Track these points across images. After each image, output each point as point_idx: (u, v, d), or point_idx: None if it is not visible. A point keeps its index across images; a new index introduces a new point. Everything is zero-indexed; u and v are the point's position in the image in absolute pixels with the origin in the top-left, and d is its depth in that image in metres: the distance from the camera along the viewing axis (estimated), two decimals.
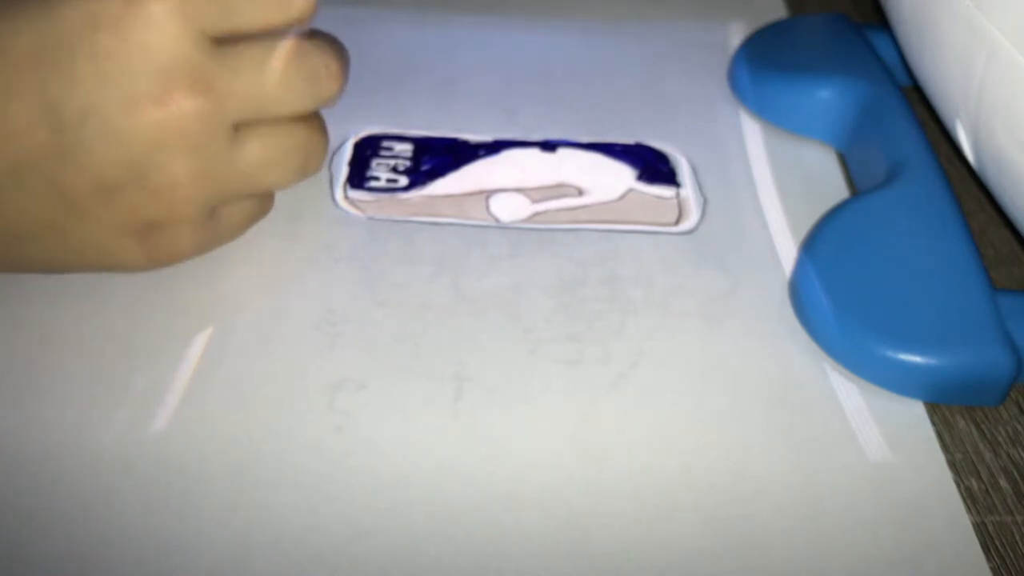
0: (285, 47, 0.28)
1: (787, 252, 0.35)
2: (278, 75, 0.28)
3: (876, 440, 0.29)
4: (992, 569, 0.26)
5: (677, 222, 0.36)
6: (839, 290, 0.31)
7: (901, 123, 0.36)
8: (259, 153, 0.29)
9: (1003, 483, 0.28)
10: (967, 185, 0.38)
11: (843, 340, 0.30)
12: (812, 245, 0.32)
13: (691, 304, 0.33)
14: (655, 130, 0.40)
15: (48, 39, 0.25)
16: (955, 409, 0.30)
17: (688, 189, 0.37)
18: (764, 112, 0.41)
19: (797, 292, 0.32)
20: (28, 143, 0.26)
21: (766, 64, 0.41)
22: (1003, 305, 0.30)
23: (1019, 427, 0.30)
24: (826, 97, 0.39)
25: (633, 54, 0.44)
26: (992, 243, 0.36)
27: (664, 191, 0.37)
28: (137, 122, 0.26)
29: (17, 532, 0.25)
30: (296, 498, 0.26)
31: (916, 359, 0.29)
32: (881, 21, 0.43)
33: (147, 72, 0.26)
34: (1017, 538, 0.27)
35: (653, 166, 0.38)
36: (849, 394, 0.30)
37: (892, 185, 0.34)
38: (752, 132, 0.40)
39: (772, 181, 0.38)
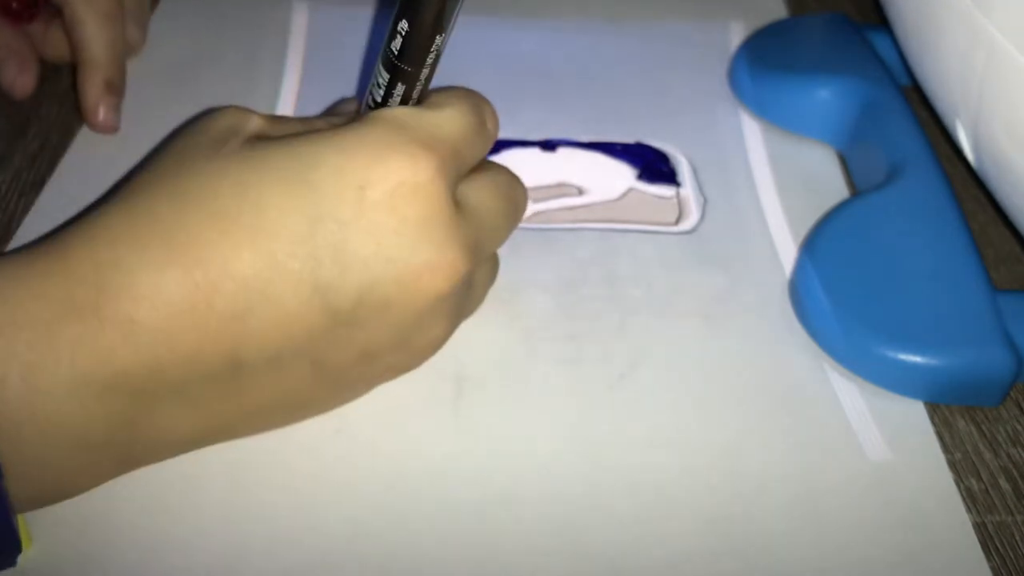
0: (508, 190, 0.29)
1: (787, 252, 0.35)
2: (510, 222, 0.29)
3: (876, 440, 0.29)
4: (992, 569, 0.26)
5: (677, 222, 0.36)
6: (839, 290, 0.31)
7: (901, 123, 0.36)
8: (490, 271, 0.30)
9: (1003, 483, 0.28)
10: (967, 185, 0.38)
11: (843, 340, 0.30)
12: (812, 245, 0.32)
13: (691, 304, 0.33)
14: (655, 130, 0.40)
15: (313, 215, 0.24)
16: (955, 409, 0.30)
17: (688, 189, 0.37)
18: (764, 112, 0.41)
19: (797, 292, 0.32)
20: (298, 329, 0.24)
21: (766, 64, 0.41)
22: (1003, 305, 0.30)
23: (1019, 427, 0.30)
24: (826, 97, 0.39)
25: (633, 54, 0.44)
26: (992, 243, 0.36)
27: (664, 190, 0.37)
28: (415, 294, 0.25)
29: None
30: (296, 499, 0.26)
31: (916, 359, 0.29)
32: (881, 21, 0.43)
33: (423, 243, 0.25)
34: (1017, 538, 0.27)
35: (653, 165, 0.38)
36: (849, 394, 0.30)
37: (892, 185, 0.34)
38: (752, 132, 0.40)
39: (772, 181, 0.38)
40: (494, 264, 0.31)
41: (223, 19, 0.45)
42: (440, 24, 0.25)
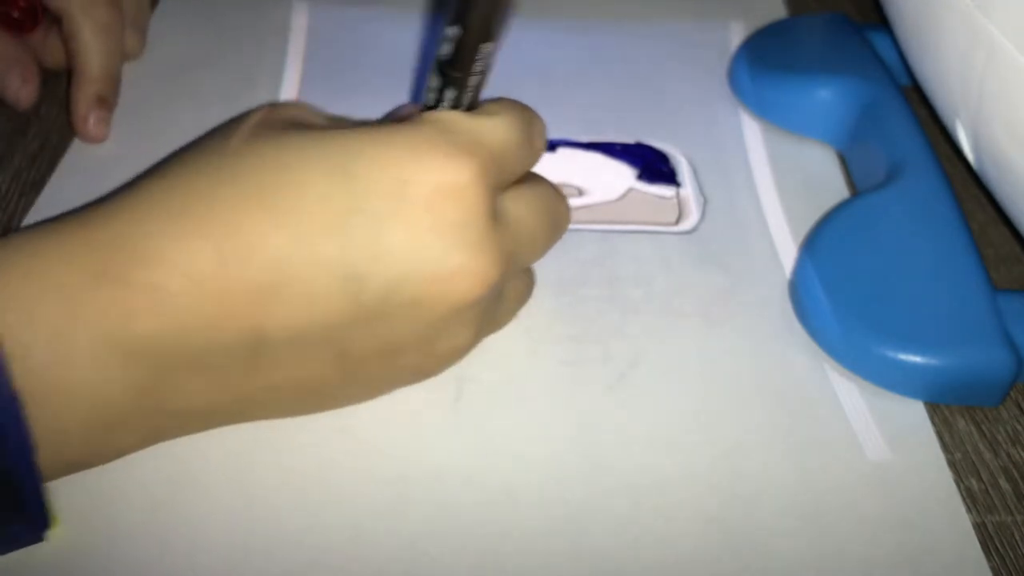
0: (550, 205, 0.29)
1: (787, 252, 0.35)
2: (549, 238, 0.29)
3: (876, 440, 0.29)
4: (992, 569, 0.26)
5: (677, 222, 0.36)
6: (839, 290, 0.31)
7: (901, 123, 0.36)
8: (524, 287, 0.30)
9: (1003, 483, 0.28)
10: (967, 185, 0.38)
11: (843, 340, 0.30)
12: (812, 245, 0.32)
13: (691, 304, 0.33)
14: (655, 130, 0.40)
15: (352, 204, 0.24)
16: (955, 409, 0.30)
17: (688, 189, 0.37)
18: (764, 112, 0.41)
19: (797, 292, 0.32)
20: (324, 311, 0.24)
21: (766, 64, 0.41)
22: (1003, 305, 0.30)
23: (1019, 427, 0.30)
24: (826, 97, 0.39)
25: (633, 54, 0.44)
26: (992, 243, 0.36)
27: (664, 190, 0.37)
28: (443, 296, 0.25)
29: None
30: (296, 498, 0.26)
31: (916, 359, 0.29)
32: (881, 21, 0.43)
33: (457, 246, 0.25)
34: (1017, 538, 0.27)
35: (653, 165, 0.38)
36: (849, 394, 0.30)
37: (892, 185, 0.34)
38: (752, 132, 0.40)
39: (772, 181, 0.38)
40: (529, 281, 0.31)
41: (223, 19, 0.45)
42: (488, 32, 0.25)
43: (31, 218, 0.34)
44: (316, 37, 0.44)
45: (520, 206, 0.27)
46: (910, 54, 0.36)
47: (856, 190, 0.38)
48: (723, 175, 0.38)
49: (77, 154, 0.37)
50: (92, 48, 0.38)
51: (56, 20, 0.39)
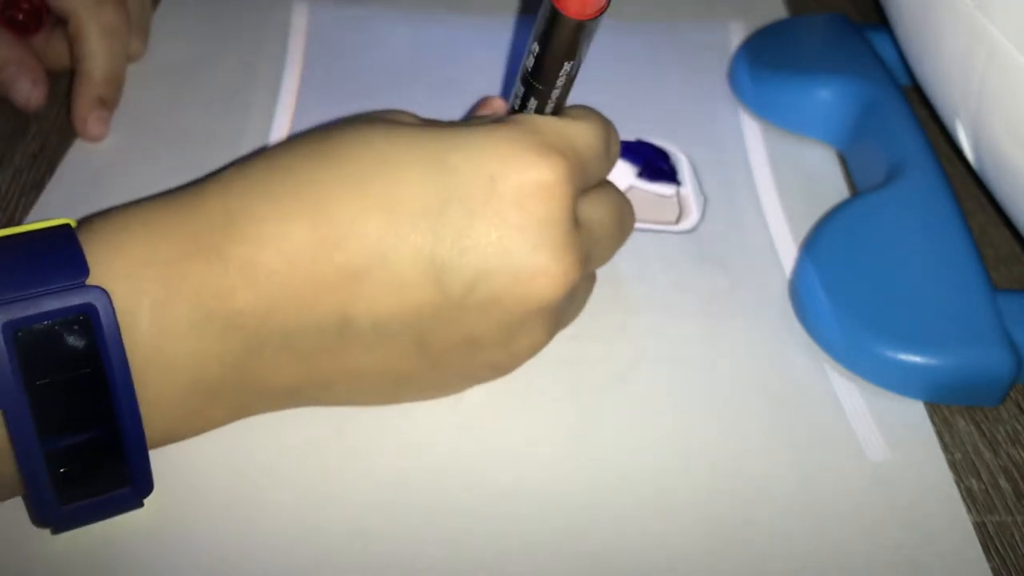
0: (619, 209, 0.29)
1: (787, 252, 0.35)
2: (617, 242, 0.30)
3: (876, 440, 0.29)
4: (992, 569, 0.26)
5: (677, 220, 0.36)
6: (839, 290, 0.31)
7: (901, 123, 0.36)
8: (590, 287, 0.31)
9: (1003, 483, 0.28)
10: (967, 185, 0.38)
11: (843, 340, 0.30)
12: (812, 245, 0.32)
13: (691, 303, 0.33)
14: (655, 129, 0.40)
15: (444, 196, 0.25)
16: (955, 409, 0.30)
17: (688, 187, 0.37)
18: (764, 112, 0.41)
19: (797, 292, 0.32)
20: (408, 300, 0.25)
21: (766, 64, 0.41)
22: (1003, 305, 0.30)
23: (1019, 427, 0.30)
24: (826, 97, 0.39)
25: (634, 53, 0.44)
26: (992, 243, 0.36)
27: (665, 189, 0.37)
28: (526, 293, 0.25)
29: (18, 530, 0.25)
30: (296, 498, 0.26)
31: (916, 359, 0.29)
32: (881, 21, 0.43)
33: (542, 245, 0.25)
34: (1017, 538, 0.27)
35: (654, 163, 0.38)
36: (849, 394, 0.30)
37: (892, 185, 0.34)
38: (752, 132, 0.40)
39: (772, 181, 0.38)
40: (593, 281, 0.31)
41: (223, 20, 0.45)
42: (570, 52, 0.26)
43: (31, 218, 0.34)
44: (316, 37, 0.44)
45: (596, 210, 0.28)
46: (910, 54, 0.36)
47: (856, 190, 0.38)
48: (723, 175, 0.38)
49: (77, 154, 0.37)
50: (98, 50, 0.38)
51: (60, 21, 0.39)
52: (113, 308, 0.23)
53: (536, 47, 0.26)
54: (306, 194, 0.25)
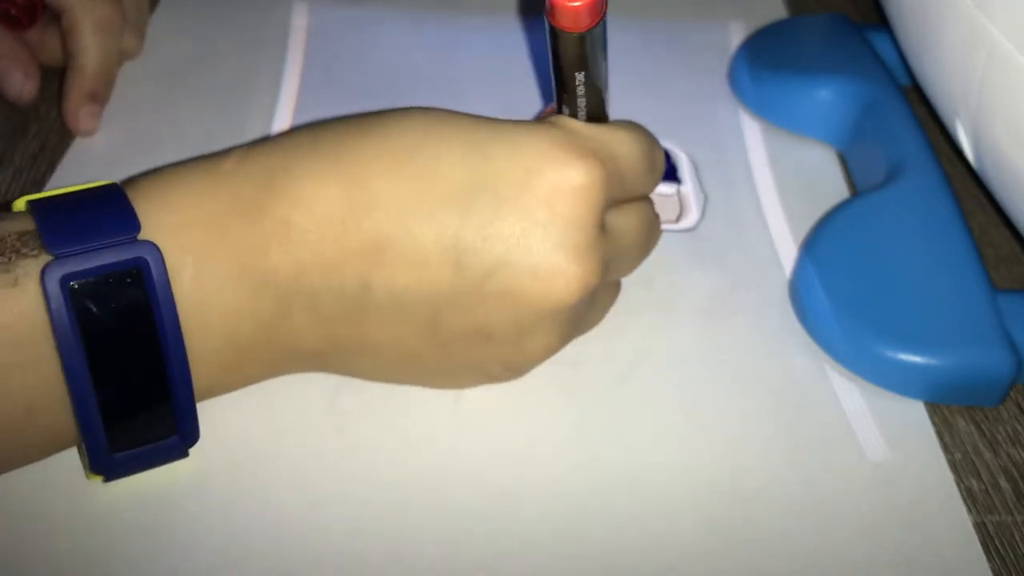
0: (648, 222, 0.30)
1: (787, 252, 0.35)
2: (642, 254, 0.30)
3: (876, 440, 0.29)
4: (992, 569, 0.26)
5: (678, 219, 0.36)
6: (839, 290, 0.31)
7: (901, 123, 0.36)
8: (612, 295, 0.31)
9: (1003, 483, 0.28)
10: (967, 185, 0.38)
11: (843, 340, 0.30)
12: (812, 245, 0.32)
13: (691, 303, 0.33)
14: (655, 129, 0.40)
15: (478, 181, 0.25)
16: (955, 409, 0.30)
17: (689, 186, 0.37)
18: (764, 112, 0.41)
19: (797, 292, 0.32)
20: (427, 276, 0.25)
21: (766, 64, 0.41)
22: (1003, 305, 0.30)
23: (1019, 427, 0.30)
24: (826, 97, 0.39)
25: (634, 53, 0.44)
26: (992, 243, 0.36)
27: (665, 187, 0.37)
28: (542, 291, 0.25)
29: (19, 531, 0.25)
30: (296, 498, 0.26)
31: (916, 359, 0.29)
32: (881, 21, 0.43)
33: (564, 245, 0.25)
34: (1017, 538, 0.27)
35: None
36: (849, 394, 0.30)
37: (892, 185, 0.34)
38: (752, 131, 0.40)
39: (772, 181, 0.38)
40: (616, 290, 0.31)
41: (223, 19, 0.45)
42: (580, 63, 0.26)
43: None
44: (316, 37, 0.44)
45: (625, 219, 0.28)
46: (910, 54, 0.36)
47: (856, 190, 0.38)
48: (723, 174, 0.38)
49: (77, 154, 0.37)
50: (91, 45, 0.38)
51: (54, 16, 0.39)
52: (163, 261, 0.24)
53: (552, 60, 0.27)
54: (345, 160, 0.25)
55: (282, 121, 0.39)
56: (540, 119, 0.32)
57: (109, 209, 0.24)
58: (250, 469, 0.27)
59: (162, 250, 0.24)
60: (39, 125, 0.39)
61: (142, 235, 0.24)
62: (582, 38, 0.26)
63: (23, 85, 0.39)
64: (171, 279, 0.24)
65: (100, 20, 0.38)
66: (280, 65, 0.42)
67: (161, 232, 0.24)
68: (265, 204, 0.25)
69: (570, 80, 0.27)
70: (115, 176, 0.36)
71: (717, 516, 0.27)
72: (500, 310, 0.26)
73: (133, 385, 0.24)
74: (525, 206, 0.25)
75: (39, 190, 0.35)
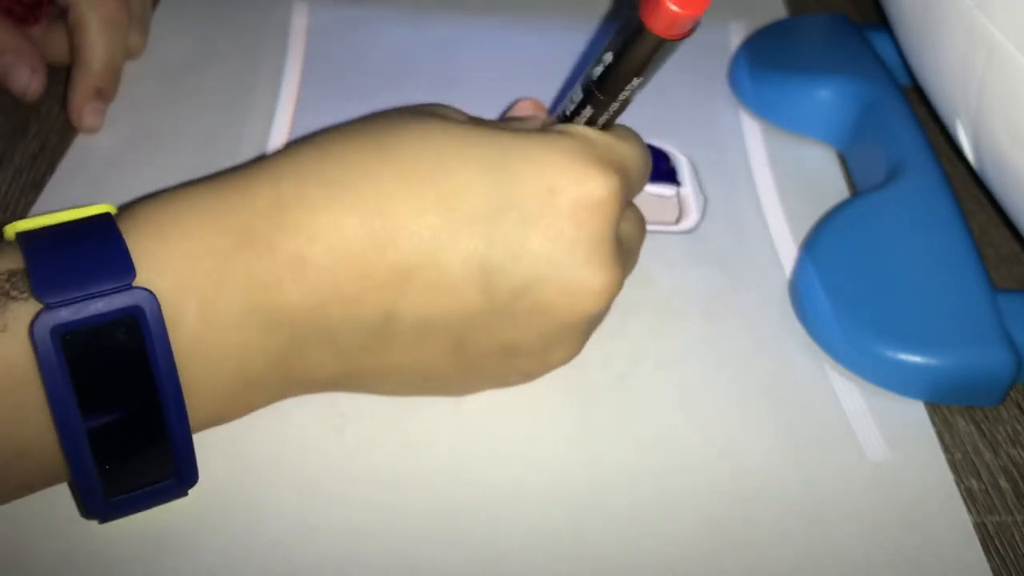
0: (641, 224, 0.30)
1: (787, 252, 0.35)
2: (637, 259, 0.30)
3: (876, 440, 0.29)
4: (992, 569, 0.26)
5: (677, 221, 0.36)
6: (839, 290, 0.31)
7: (901, 123, 0.36)
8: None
9: (1003, 483, 0.28)
10: (967, 185, 0.38)
11: (843, 340, 0.30)
12: (812, 245, 0.32)
13: (691, 304, 0.33)
14: (655, 129, 0.40)
15: (500, 201, 0.25)
16: (955, 409, 0.30)
17: (688, 188, 0.37)
18: (764, 112, 0.41)
19: (797, 292, 0.32)
20: (454, 301, 0.25)
21: (766, 64, 0.41)
22: (1003, 305, 0.30)
23: (1019, 427, 0.30)
24: (826, 97, 0.39)
25: None
26: (992, 243, 0.36)
27: (665, 189, 0.37)
28: (573, 305, 0.25)
29: (19, 531, 0.25)
30: (296, 498, 0.26)
31: (916, 359, 0.29)
32: (881, 21, 0.43)
33: (591, 260, 0.25)
34: (1017, 538, 0.27)
35: (654, 164, 0.38)
36: (849, 394, 0.30)
37: (892, 185, 0.34)
38: (752, 132, 0.40)
39: (772, 181, 0.38)
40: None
41: (223, 19, 0.45)
42: (642, 69, 0.26)
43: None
44: (316, 37, 0.44)
45: (630, 227, 0.29)
46: (910, 54, 0.36)
47: (856, 190, 0.38)
48: (723, 175, 0.38)
49: (77, 154, 0.37)
50: (97, 42, 0.38)
51: (61, 13, 0.39)
52: (160, 309, 0.23)
53: (608, 57, 0.26)
54: (362, 187, 0.24)
55: (282, 120, 0.39)
56: (511, 116, 0.32)
57: (103, 249, 0.23)
58: (250, 469, 0.27)
59: (162, 292, 0.23)
60: (39, 125, 0.39)
61: (140, 276, 0.23)
62: (663, 44, 0.25)
63: (29, 81, 0.39)
64: (173, 323, 0.23)
65: (107, 17, 0.38)
66: (280, 65, 0.42)
67: (161, 273, 0.23)
68: (276, 238, 0.24)
69: (621, 84, 0.26)
70: (115, 176, 0.36)
71: (717, 516, 0.27)
72: (529, 327, 0.26)
73: (128, 433, 0.23)
74: (551, 224, 0.25)
75: (39, 190, 0.35)
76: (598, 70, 0.26)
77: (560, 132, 0.26)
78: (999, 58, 0.28)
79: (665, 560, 0.26)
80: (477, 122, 0.28)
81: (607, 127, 0.27)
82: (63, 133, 0.38)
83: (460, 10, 0.46)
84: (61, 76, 0.41)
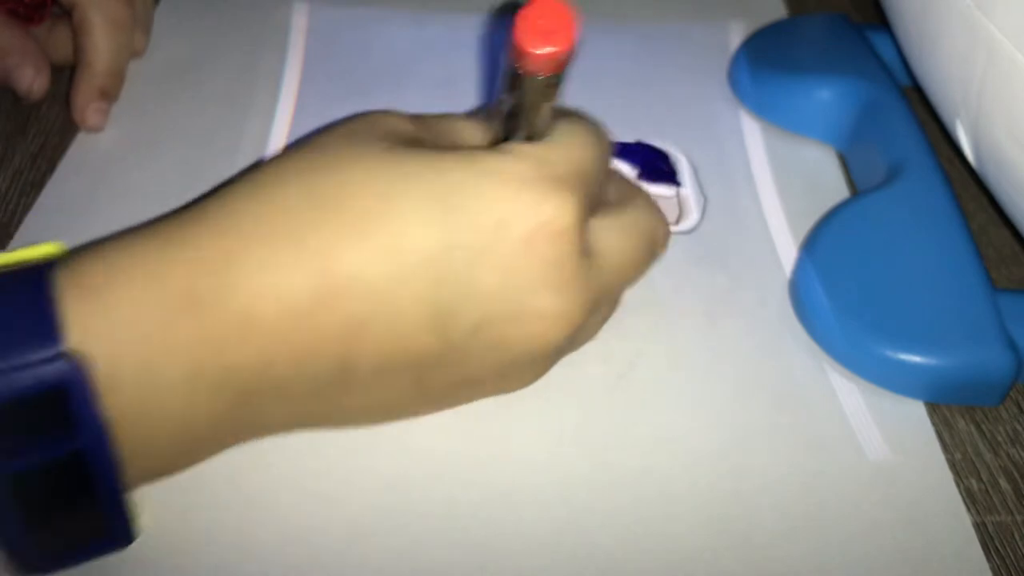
0: (643, 229, 0.28)
1: (787, 252, 0.35)
2: (642, 262, 0.29)
3: (876, 440, 0.29)
4: (992, 569, 0.26)
5: (677, 221, 0.36)
6: (839, 290, 0.31)
7: (901, 123, 0.36)
8: (609, 310, 0.30)
9: (1003, 483, 0.28)
10: (967, 185, 0.38)
11: (843, 340, 0.30)
12: (812, 245, 0.32)
13: (691, 304, 0.33)
14: (655, 129, 0.40)
15: (448, 240, 0.24)
16: (955, 409, 0.30)
17: (688, 188, 0.37)
18: (764, 112, 0.41)
19: (797, 292, 0.32)
20: (411, 345, 0.24)
21: (766, 64, 0.41)
22: (1003, 305, 0.30)
23: (1019, 427, 0.30)
24: (826, 97, 0.39)
25: (633, 54, 0.44)
26: (992, 243, 0.36)
27: (665, 190, 0.37)
28: (528, 336, 0.25)
29: None
30: (296, 498, 0.26)
31: (916, 359, 0.29)
32: (881, 21, 0.43)
33: (547, 289, 0.24)
34: (1017, 538, 0.27)
35: (653, 164, 0.38)
36: (849, 394, 0.30)
37: (892, 185, 0.34)
38: (752, 132, 0.40)
39: (772, 181, 0.38)
40: (615, 302, 0.30)
41: (223, 19, 0.45)
42: (547, 96, 0.25)
43: (31, 218, 0.34)
44: (316, 37, 0.44)
45: (611, 237, 0.27)
46: (910, 54, 0.36)
47: (856, 190, 0.38)
48: (723, 175, 0.38)
49: (77, 154, 0.37)
50: (102, 42, 0.38)
51: (65, 13, 0.39)
52: (89, 382, 0.21)
53: (507, 98, 0.25)
54: (305, 239, 0.23)
55: (282, 120, 0.39)
56: (475, 114, 0.31)
57: (30, 313, 0.21)
58: (249, 470, 0.27)
59: (97, 358, 0.21)
60: (39, 125, 0.39)
61: (73, 338, 0.21)
62: (548, 80, 0.24)
63: (33, 81, 0.39)
64: (109, 390, 0.22)
65: (112, 17, 0.38)
66: (280, 65, 0.42)
67: (97, 337, 0.22)
68: (219, 297, 0.23)
69: (530, 115, 0.26)
70: (115, 175, 0.36)
71: (717, 516, 0.27)
72: (487, 361, 0.25)
73: (54, 492, 0.22)
74: (501, 255, 0.24)
75: (39, 190, 0.35)
76: (506, 106, 0.26)
77: (507, 154, 0.25)
78: (999, 58, 0.28)
79: (665, 560, 0.26)
80: (420, 125, 0.27)
81: (545, 129, 0.26)
82: (63, 133, 0.38)
83: (460, 10, 0.46)
84: (62, 76, 0.41)
